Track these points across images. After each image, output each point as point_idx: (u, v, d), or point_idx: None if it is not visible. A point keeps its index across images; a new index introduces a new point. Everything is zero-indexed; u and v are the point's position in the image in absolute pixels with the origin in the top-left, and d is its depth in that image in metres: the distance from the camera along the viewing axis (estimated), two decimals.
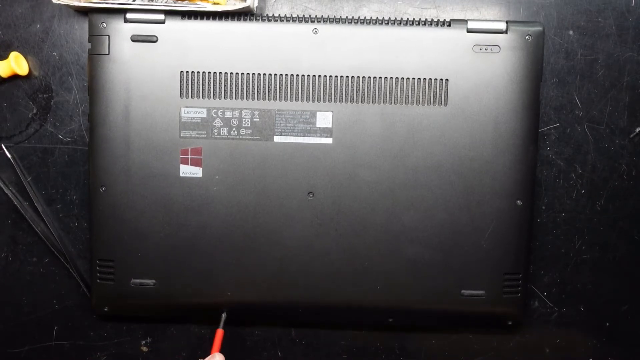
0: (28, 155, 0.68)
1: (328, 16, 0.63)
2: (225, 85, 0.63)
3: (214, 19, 0.63)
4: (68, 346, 0.71)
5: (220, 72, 0.63)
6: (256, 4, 0.63)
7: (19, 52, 0.67)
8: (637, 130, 0.66)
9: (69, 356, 0.71)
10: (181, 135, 0.63)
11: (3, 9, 0.67)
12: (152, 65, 0.62)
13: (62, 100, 0.68)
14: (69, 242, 0.69)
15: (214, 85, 0.63)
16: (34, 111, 0.68)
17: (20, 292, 0.70)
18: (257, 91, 0.63)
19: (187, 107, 0.63)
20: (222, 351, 0.68)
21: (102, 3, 0.62)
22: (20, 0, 0.67)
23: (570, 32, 0.66)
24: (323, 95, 0.63)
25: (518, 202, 0.63)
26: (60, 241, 0.68)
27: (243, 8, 0.62)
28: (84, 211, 0.69)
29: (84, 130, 0.68)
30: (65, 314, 0.70)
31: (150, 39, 0.62)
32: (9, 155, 0.68)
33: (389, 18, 0.63)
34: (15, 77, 0.68)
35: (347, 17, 0.63)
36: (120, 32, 0.62)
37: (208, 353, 0.67)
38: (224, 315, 0.66)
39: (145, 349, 0.71)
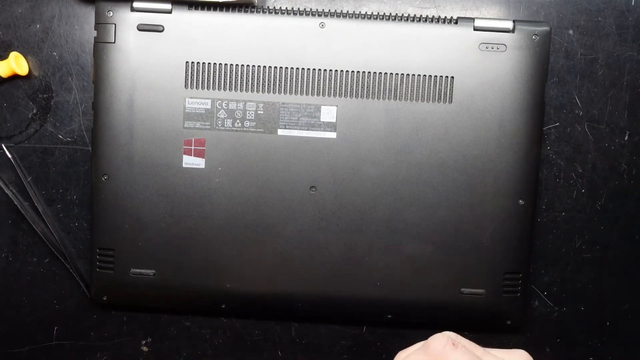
0: (28, 156, 0.66)
1: (335, 10, 0.61)
2: (230, 77, 0.61)
3: (221, 10, 0.61)
4: (68, 346, 0.68)
5: (225, 64, 0.60)
6: None
7: (19, 52, 0.65)
8: None
9: (69, 356, 0.68)
10: (185, 125, 0.61)
11: (3, 9, 0.65)
12: (157, 55, 0.60)
13: (62, 100, 0.66)
14: (69, 242, 0.67)
15: (219, 76, 0.61)
16: (34, 111, 0.66)
17: (21, 292, 0.68)
18: (262, 84, 0.61)
19: (191, 97, 0.61)
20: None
21: None
22: (20, 0, 0.65)
23: (570, 32, 0.64)
24: (328, 90, 0.61)
25: (520, 201, 0.61)
26: (60, 241, 0.66)
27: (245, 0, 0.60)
28: (84, 211, 0.66)
29: (84, 130, 0.66)
30: (66, 314, 0.68)
31: (157, 29, 0.60)
32: (9, 155, 0.66)
33: (396, 14, 0.61)
34: (15, 77, 0.66)
35: (354, 12, 0.62)
36: (126, 20, 0.60)
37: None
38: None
39: (145, 349, 0.68)
